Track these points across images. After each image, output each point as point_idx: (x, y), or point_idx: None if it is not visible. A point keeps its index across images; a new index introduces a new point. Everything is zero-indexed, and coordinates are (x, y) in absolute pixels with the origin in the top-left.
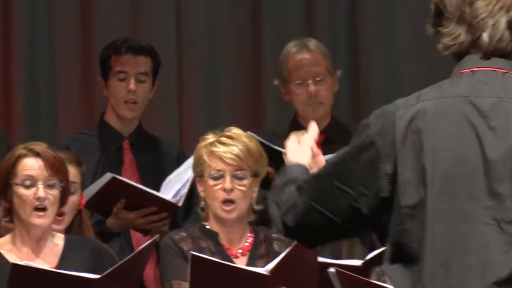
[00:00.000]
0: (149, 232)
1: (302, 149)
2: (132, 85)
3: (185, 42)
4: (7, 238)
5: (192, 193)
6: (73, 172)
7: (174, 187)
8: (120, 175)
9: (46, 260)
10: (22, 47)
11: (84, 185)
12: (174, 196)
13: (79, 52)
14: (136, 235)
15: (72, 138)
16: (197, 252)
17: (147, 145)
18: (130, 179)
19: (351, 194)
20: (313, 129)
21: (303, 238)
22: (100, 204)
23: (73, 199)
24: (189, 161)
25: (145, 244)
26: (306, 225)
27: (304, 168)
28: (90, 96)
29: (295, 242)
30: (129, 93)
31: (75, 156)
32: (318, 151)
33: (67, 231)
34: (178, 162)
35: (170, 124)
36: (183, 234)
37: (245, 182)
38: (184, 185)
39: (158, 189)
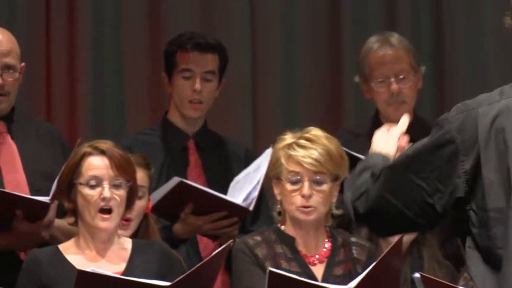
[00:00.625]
0: (217, 238)
1: (388, 139)
2: (197, 84)
3: (260, 40)
4: (71, 241)
5: (260, 194)
6: (141, 176)
7: (243, 189)
8: (186, 176)
9: (113, 263)
10: (88, 48)
11: (151, 188)
12: (245, 199)
13: (147, 51)
14: (203, 241)
15: (134, 139)
16: (272, 258)
17: (213, 144)
18: (196, 180)
19: (426, 189)
20: (404, 121)
21: (372, 225)
22: (167, 209)
23: (140, 204)
24: (259, 161)
25: (218, 250)
26: (376, 213)
27: (384, 157)
28: (159, 96)
29: (379, 258)
30: (194, 92)
31: (144, 159)
32: (405, 144)
33: (133, 237)
34: (246, 162)
35: (244, 124)
36: (258, 238)
37: (324, 187)
38: (254, 187)
39: (225, 191)
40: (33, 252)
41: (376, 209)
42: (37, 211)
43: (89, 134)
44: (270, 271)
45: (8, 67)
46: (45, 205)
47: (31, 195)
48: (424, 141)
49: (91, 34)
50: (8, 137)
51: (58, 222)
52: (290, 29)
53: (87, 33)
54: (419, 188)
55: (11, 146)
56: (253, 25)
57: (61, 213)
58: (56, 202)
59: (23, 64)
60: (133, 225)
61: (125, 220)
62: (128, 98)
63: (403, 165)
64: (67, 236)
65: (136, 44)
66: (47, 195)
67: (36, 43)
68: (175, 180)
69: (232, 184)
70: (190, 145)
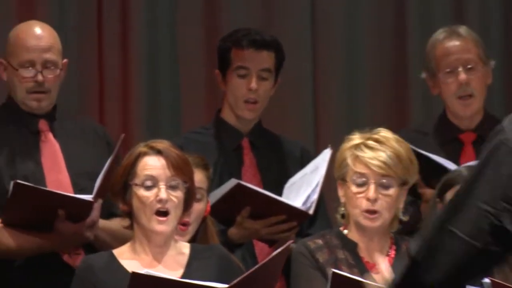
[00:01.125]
0: (274, 242)
1: None
2: (253, 83)
3: (321, 37)
4: (126, 246)
5: (319, 196)
6: (199, 177)
7: (300, 191)
8: (240, 176)
9: (170, 269)
10: (142, 45)
11: (209, 190)
12: (304, 203)
13: (203, 48)
14: (259, 245)
15: (186, 138)
16: (333, 264)
17: (268, 143)
18: (251, 180)
19: (492, 212)
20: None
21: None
22: (222, 212)
23: (198, 207)
24: (316, 162)
25: (278, 251)
26: (440, 256)
27: None
28: (215, 96)
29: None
30: (249, 91)
31: (202, 159)
32: None
33: (191, 241)
34: (302, 162)
35: (304, 124)
36: (319, 242)
37: (391, 191)
38: (314, 190)
39: (280, 192)
40: (87, 258)
41: (438, 251)
42: (79, 210)
43: (143, 134)
44: (334, 273)
45: (48, 63)
46: (88, 204)
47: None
48: (481, 158)
49: (145, 32)
50: (50, 136)
51: (103, 222)
52: (353, 25)
53: (141, 31)
54: (484, 213)
55: (54, 145)
56: (314, 22)
57: (106, 214)
58: (100, 201)
59: (65, 60)
60: (191, 230)
61: (183, 224)
62: (184, 96)
63: (462, 193)
64: (113, 237)
65: (192, 41)
66: (92, 194)
67: (88, 42)
68: (232, 182)
69: (287, 185)
70: (244, 144)
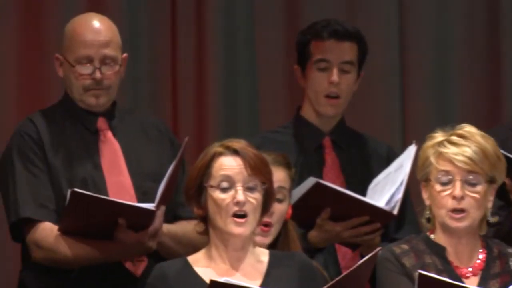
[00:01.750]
0: (357, 246)
1: None
2: (335, 76)
3: (408, 28)
4: (201, 253)
5: (405, 198)
6: (281, 176)
7: (384, 191)
8: (321, 177)
9: (248, 277)
10: (218, 41)
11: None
12: (387, 203)
13: (283, 41)
14: (342, 249)
15: (263, 137)
16: (421, 269)
17: (352, 142)
18: (333, 182)
19: None
20: None
21: None
22: (301, 214)
23: (281, 208)
24: (400, 160)
25: (365, 259)
26: None
27: None
28: (295, 92)
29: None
30: (331, 85)
31: (284, 157)
32: None
33: (272, 245)
34: (388, 162)
35: (391, 122)
36: (405, 247)
37: (479, 188)
38: (398, 189)
39: (365, 194)
40: (160, 266)
41: None
42: (141, 219)
43: (218, 133)
44: (420, 274)
45: (107, 59)
46: (150, 213)
47: (137, 198)
48: None
49: (222, 26)
50: (110, 135)
51: (167, 227)
52: (443, 14)
53: (217, 26)
54: None
55: (114, 144)
56: (401, 13)
57: (171, 217)
58: (163, 208)
59: (125, 54)
60: (274, 231)
61: (265, 225)
62: (261, 93)
63: None
64: (177, 242)
65: (271, 36)
66: (155, 197)
67: (161, 37)
68: (311, 181)
69: (371, 186)
70: (325, 143)
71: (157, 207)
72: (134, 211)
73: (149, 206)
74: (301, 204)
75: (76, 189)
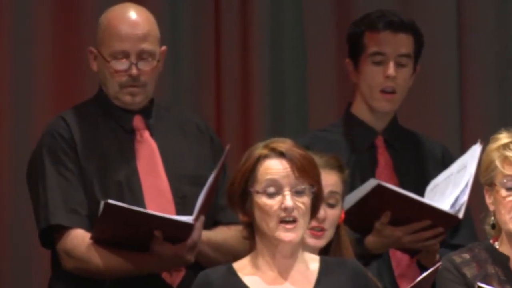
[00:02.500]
0: (417, 253)
1: None
2: (391, 69)
3: (467, 22)
4: (246, 260)
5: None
6: (334, 180)
7: (446, 193)
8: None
9: (298, 286)
10: (265, 33)
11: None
12: (452, 206)
13: (333, 34)
14: (396, 257)
15: (313, 136)
16: (482, 279)
17: (405, 142)
18: (386, 183)
19: None
20: None
21: None
22: (358, 218)
23: (334, 213)
24: (463, 160)
25: (427, 273)
26: None
27: None
28: (346, 88)
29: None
30: (386, 80)
31: (337, 160)
32: None
33: (323, 251)
34: (443, 163)
35: (449, 120)
36: (466, 256)
37: None
38: (463, 191)
39: (420, 196)
40: (204, 273)
41: None
42: (179, 232)
43: (265, 132)
44: (479, 287)
45: (144, 54)
46: (189, 226)
47: (175, 202)
48: None
49: (269, 19)
50: (147, 134)
51: (207, 235)
52: (504, 7)
53: (264, 17)
54: None
55: (151, 145)
56: (460, 10)
57: (210, 223)
58: (202, 218)
59: (163, 47)
60: (328, 235)
61: (318, 229)
62: (311, 89)
63: None
64: (216, 250)
65: (321, 28)
66: (194, 202)
67: (204, 32)
68: (372, 182)
69: (430, 187)
70: (378, 143)
71: (196, 219)
72: (171, 224)
73: (188, 219)
74: (359, 207)
75: (110, 201)
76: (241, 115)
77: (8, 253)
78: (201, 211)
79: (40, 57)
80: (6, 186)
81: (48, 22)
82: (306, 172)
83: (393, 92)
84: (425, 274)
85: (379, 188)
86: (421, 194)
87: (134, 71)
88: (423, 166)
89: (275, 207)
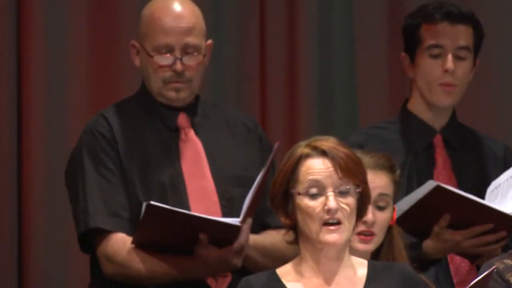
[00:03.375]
0: (477, 258)
1: None
2: (449, 63)
3: None
4: (290, 265)
5: None
6: (384, 181)
7: (509, 195)
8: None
9: None
10: (312, 26)
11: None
12: None
13: (385, 27)
14: (455, 262)
15: (367, 134)
16: None
17: (465, 141)
18: (445, 184)
19: None
20: None
21: None
22: (415, 221)
23: (383, 217)
24: None
25: (479, 278)
26: None
27: None
28: (399, 82)
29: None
30: (445, 74)
31: (387, 159)
32: None
33: (374, 255)
34: (505, 163)
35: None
36: (509, 262)
37: None
38: None
39: (481, 198)
40: (246, 280)
41: None
42: (225, 234)
43: (312, 129)
44: None
45: (190, 48)
46: (236, 229)
47: (221, 205)
48: None
49: (316, 11)
50: (192, 133)
51: (254, 239)
52: None
53: (311, 10)
54: None
55: (196, 144)
56: None
57: (258, 226)
58: (249, 221)
59: (209, 41)
60: (377, 240)
61: (367, 234)
62: (361, 84)
63: None
64: (264, 255)
65: (372, 20)
66: (241, 204)
67: (248, 21)
68: (430, 184)
69: (490, 189)
70: (436, 142)
71: (243, 221)
72: (217, 227)
73: (234, 221)
74: (416, 210)
75: (152, 202)
76: (287, 112)
77: (45, 258)
78: (248, 213)
79: (73, 51)
80: (43, 187)
81: (83, 11)
82: (350, 172)
83: (451, 86)
84: (476, 279)
85: (438, 190)
86: (482, 196)
87: (178, 66)
88: (484, 167)
89: (318, 209)
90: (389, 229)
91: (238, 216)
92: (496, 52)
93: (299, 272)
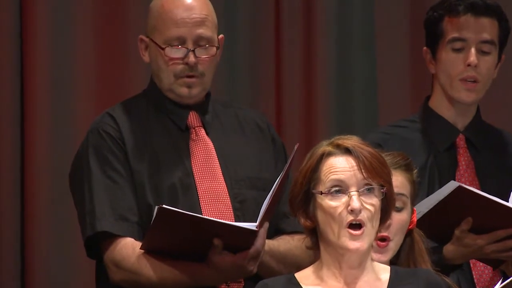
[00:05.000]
0: (500, 263)
1: None
2: (473, 57)
3: None
4: (309, 269)
5: None
6: (400, 180)
7: None
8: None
9: None
10: (329, 19)
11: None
12: None
13: (406, 21)
14: (478, 268)
15: (387, 132)
16: None
17: (488, 141)
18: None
19: None
20: None
21: None
22: (435, 225)
23: (400, 218)
24: None
25: (505, 283)
26: None
27: None
28: (421, 78)
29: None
30: (468, 68)
31: (403, 158)
32: None
33: (393, 260)
34: None
35: None
36: None
37: None
38: None
39: (505, 200)
40: (263, 283)
41: None
42: (241, 240)
43: (330, 128)
44: None
45: (202, 40)
46: (252, 234)
47: (233, 207)
48: None
49: (334, 2)
50: (203, 132)
51: (269, 244)
52: None
53: (330, 1)
54: None
55: (207, 144)
56: None
57: (273, 231)
58: (266, 225)
59: (221, 36)
60: (393, 246)
61: (381, 239)
62: (381, 80)
63: None
64: (279, 262)
65: (393, 14)
66: (253, 207)
67: (263, 17)
68: (452, 185)
69: None
70: (459, 142)
71: (260, 226)
72: (233, 231)
73: (250, 225)
74: (436, 212)
75: (164, 205)
76: (304, 113)
77: (48, 262)
78: (265, 217)
79: (81, 48)
80: (47, 188)
81: (89, 11)
82: (375, 171)
83: (474, 81)
84: (504, 283)
85: (460, 191)
86: (506, 198)
87: (191, 58)
88: (508, 168)
89: (341, 209)
90: (410, 233)
91: (250, 220)
92: None
93: (319, 277)
